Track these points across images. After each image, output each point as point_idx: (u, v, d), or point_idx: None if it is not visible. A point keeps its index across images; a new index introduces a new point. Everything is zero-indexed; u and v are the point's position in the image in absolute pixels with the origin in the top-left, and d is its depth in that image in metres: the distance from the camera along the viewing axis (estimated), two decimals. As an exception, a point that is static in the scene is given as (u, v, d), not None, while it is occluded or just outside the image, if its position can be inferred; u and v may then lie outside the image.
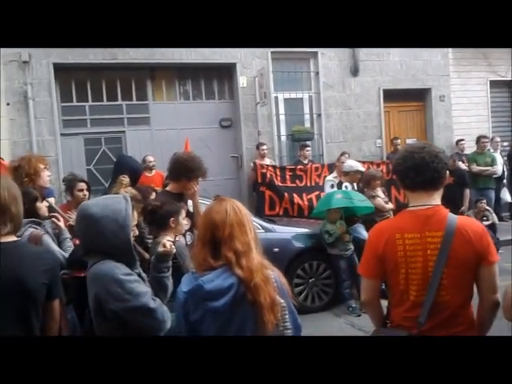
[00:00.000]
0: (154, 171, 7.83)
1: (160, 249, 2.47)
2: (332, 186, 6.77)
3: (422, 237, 2.06)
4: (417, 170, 2.09)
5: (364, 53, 9.90)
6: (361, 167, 6.72)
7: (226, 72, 9.38)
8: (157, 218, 3.39)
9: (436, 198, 2.14)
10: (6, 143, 7.66)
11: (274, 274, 1.94)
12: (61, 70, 8.22)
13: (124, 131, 8.78)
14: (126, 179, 3.50)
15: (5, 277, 1.98)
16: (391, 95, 10.25)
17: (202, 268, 1.91)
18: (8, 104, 7.80)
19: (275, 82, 9.41)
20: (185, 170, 3.91)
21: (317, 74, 9.78)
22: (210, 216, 1.96)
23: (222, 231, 1.91)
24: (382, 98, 10.18)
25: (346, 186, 6.65)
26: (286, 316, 1.92)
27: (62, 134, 8.30)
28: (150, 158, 7.88)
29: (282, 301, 1.91)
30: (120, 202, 2.19)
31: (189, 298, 1.90)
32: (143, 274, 2.31)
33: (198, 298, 1.86)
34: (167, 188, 4.15)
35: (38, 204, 3.29)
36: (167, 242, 2.51)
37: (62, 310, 2.47)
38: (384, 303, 2.28)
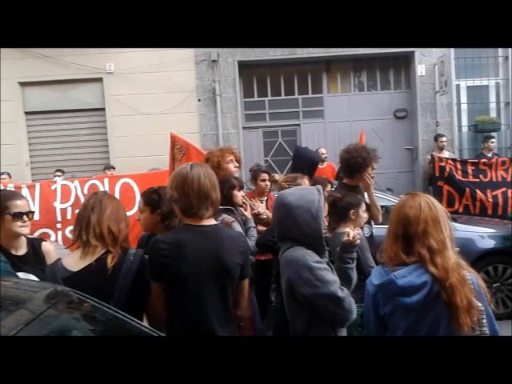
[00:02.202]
0: (325, 163, 7.96)
1: (345, 238, 2.48)
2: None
3: None
4: None
5: None
6: (561, 162, 5.90)
7: (403, 61, 9.05)
8: (337, 210, 3.45)
9: None
10: (196, 136, 8.56)
11: (472, 275, 1.86)
12: (244, 68, 8.86)
13: (299, 124, 9.10)
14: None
15: (208, 255, 2.22)
16: None
17: (394, 263, 1.92)
18: (199, 100, 8.71)
19: (457, 69, 8.77)
20: (354, 165, 3.91)
21: (506, 58, 8.86)
22: (403, 211, 1.95)
23: (416, 227, 1.89)
24: None
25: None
26: (484, 320, 1.82)
27: (244, 128, 8.98)
28: (323, 150, 8.03)
29: (480, 304, 1.82)
30: (313, 193, 2.29)
31: (379, 291, 1.93)
32: (331, 264, 2.39)
33: (389, 292, 1.87)
34: (344, 180, 4.20)
35: (235, 192, 3.57)
36: (352, 231, 2.51)
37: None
38: None
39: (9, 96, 8.63)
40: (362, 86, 9.21)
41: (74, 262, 2.25)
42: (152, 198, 2.77)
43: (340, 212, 3.44)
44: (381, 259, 2.02)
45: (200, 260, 2.19)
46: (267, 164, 8.80)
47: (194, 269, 2.18)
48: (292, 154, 8.69)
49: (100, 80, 8.66)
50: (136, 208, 5.71)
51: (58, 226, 5.70)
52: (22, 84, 8.76)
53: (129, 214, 4.65)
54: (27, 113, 8.89)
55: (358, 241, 2.52)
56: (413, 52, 8.73)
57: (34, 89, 8.80)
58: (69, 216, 5.71)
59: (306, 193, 2.33)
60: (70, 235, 5.68)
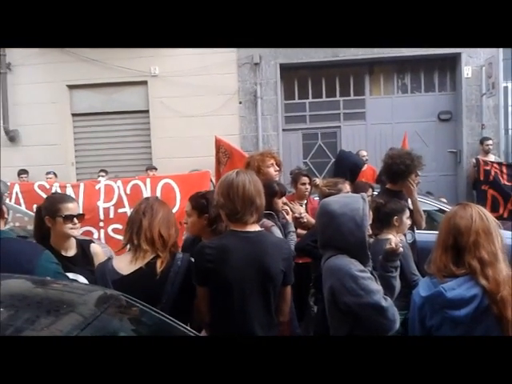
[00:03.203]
0: (365, 165, 7.84)
1: (387, 246, 2.43)
2: None
3: None
4: None
5: None
6: None
7: (449, 63, 8.83)
8: (380, 216, 3.39)
9: None
10: (237, 138, 8.63)
11: (524, 289, 1.80)
12: (286, 70, 8.86)
13: (340, 126, 9.03)
14: None
15: (252, 261, 2.24)
16: None
17: (442, 274, 1.88)
18: (240, 103, 8.79)
19: (505, 70, 8.46)
20: (396, 171, 3.83)
21: (558, 59, 8.48)
22: (454, 221, 1.91)
23: (467, 238, 1.85)
24: None
25: None
26: (537, 336, 1.76)
27: (283, 130, 8.98)
28: (363, 153, 7.92)
29: (532, 319, 1.76)
30: (358, 202, 2.27)
31: (426, 303, 1.89)
32: (374, 273, 2.36)
33: (437, 304, 1.84)
34: (387, 186, 4.13)
35: (276, 199, 3.57)
36: (394, 239, 2.47)
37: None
38: None
39: (57, 98, 8.97)
40: (405, 88, 9.05)
41: (125, 265, 2.31)
42: (200, 203, 2.79)
43: (383, 218, 3.39)
44: (429, 270, 1.98)
45: (244, 265, 2.22)
46: (307, 168, 8.76)
47: (237, 274, 2.21)
48: (332, 157, 8.72)
49: (145, 83, 8.86)
50: (177, 208, 5.86)
51: (101, 224, 5.87)
52: (70, 87, 9.08)
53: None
54: (74, 114, 9.20)
55: (401, 249, 2.48)
56: (459, 53, 8.51)
57: (81, 91, 9.10)
58: (111, 215, 5.87)
59: (351, 200, 2.31)
60: (112, 234, 5.85)
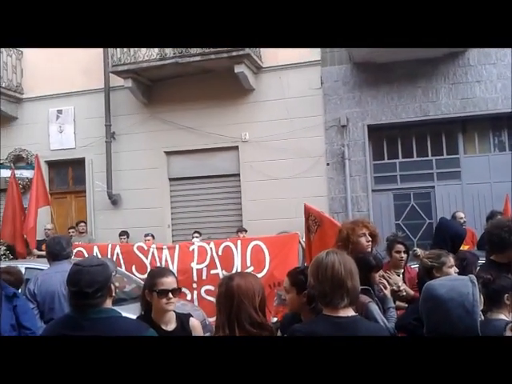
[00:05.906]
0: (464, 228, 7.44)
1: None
2: None
3: None
4: None
5: None
6: None
7: (550, 117, 8.31)
8: (489, 293, 3.16)
9: None
10: (325, 199, 8.66)
11: None
12: (374, 131, 8.85)
13: (433, 186, 8.73)
14: None
15: None
16: None
17: None
18: (328, 164, 8.84)
19: None
20: (493, 241, 3.57)
21: None
22: None
23: None
24: None
25: None
26: None
27: (373, 190, 8.84)
28: (461, 214, 7.53)
29: None
30: (467, 285, 2.13)
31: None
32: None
33: None
34: (492, 257, 3.85)
35: (373, 274, 3.40)
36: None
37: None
38: None
39: (156, 164, 9.62)
40: (502, 146, 8.61)
41: None
42: (298, 279, 2.70)
43: (492, 296, 3.14)
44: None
45: None
46: (404, 234, 8.40)
47: None
48: (427, 218, 8.38)
49: (236, 148, 9.26)
50: (266, 270, 5.91)
51: (194, 285, 6.06)
52: (168, 153, 9.70)
53: (259, 275, 4.81)
54: (171, 179, 9.77)
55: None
56: (560, 106, 8.00)
57: (177, 157, 9.69)
58: (204, 276, 6.06)
59: (459, 284, 2.17)
60: (204, 295, 6.00)
